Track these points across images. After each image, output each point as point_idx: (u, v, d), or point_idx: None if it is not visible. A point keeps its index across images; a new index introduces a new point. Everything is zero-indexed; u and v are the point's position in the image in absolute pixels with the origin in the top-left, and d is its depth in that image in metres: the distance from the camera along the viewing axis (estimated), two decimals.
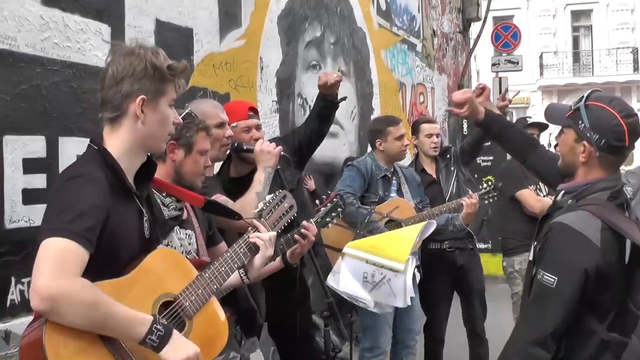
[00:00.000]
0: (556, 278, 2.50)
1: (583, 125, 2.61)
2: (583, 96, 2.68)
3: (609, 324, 2.55)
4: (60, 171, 3.40)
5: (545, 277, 2.53)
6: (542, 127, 5.89)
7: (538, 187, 5.64)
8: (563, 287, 2.49)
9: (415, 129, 5.67)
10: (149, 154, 2.32)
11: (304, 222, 3.23)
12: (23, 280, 3.23)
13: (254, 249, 2.62)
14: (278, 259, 3.23)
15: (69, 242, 1.91)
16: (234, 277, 2.65)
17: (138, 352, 2.06)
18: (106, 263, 2.06)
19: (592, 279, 2.49)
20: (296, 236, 3.20)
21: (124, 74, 2.17)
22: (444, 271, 5.32)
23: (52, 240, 1.92)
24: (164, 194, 2.74)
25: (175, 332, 2.12)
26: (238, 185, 3.69)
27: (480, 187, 5.35)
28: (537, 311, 2.58)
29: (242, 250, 2.58)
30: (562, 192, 2.75)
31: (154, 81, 2.20)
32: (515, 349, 2.60)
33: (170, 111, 2.29)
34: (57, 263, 1.88)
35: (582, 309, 2.53)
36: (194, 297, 2.30)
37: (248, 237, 2.62)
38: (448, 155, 5.58)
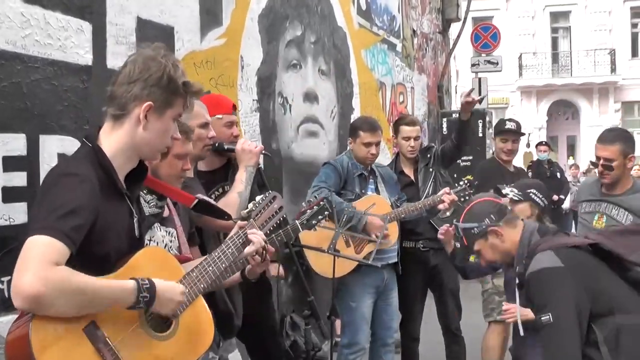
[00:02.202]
0: (550, 314, 2.76)
1: (475, 228, 3.17)
2: (456, 225, 3.28)
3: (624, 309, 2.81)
4: (40, 169, 3.41)
5: (542, 318, 2.79)
6: (517, 133, 5.87)
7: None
8: (559, 317, 2.75)
9: (395, 129, 5.61)
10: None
11: (263, 244, 2.75)
12: (3, 279, 3.22)
13: (242, 249, 2.63)
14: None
15: (53, 240, 1.91)
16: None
17: (124, 349, 2.07)
18: (96, 261, 2.06)
19: (582, 293, 2.76)
20: (250, 258, 2.75)
21: (139, 77, 2.18)
22: (417, 270, 5.35)
23: (36, 238, 1.92)
24: (145, 191, 2.75)
25: (157, 286, 2.14)
26: (205, 178, 3.72)
27: (456, 185, 5.35)
28: (555, 350, 2.79)
29: (230, 250, 2.59)
30: (517, 268, 3.13)
31: (166, 92, 2.22)
32: None
33: (173, 125, 2.31)
34: (39, 260, 1.88)
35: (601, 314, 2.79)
36: None
37: (236, 236, 2.63)
38: (429, 155, 5.53)
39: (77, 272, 1.95)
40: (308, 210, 3.49)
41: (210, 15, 5.12)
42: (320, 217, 3.47)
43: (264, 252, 2.70)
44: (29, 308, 1.89)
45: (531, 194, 4.05)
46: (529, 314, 3.38)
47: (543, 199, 4.06)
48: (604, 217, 4.30)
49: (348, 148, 5.19)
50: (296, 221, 3.43)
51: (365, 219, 4.70)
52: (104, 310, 2.04)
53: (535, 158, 13.95)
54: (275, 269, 4.37)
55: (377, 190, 5.03)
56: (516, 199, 4.03)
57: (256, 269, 2.81)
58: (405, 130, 5.45)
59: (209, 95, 4.09)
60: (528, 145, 24.92)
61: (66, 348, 1.95)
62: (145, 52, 2.26)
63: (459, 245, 3.31)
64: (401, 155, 5.57)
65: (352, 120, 7.61)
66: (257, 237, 2.66)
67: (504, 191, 4.07)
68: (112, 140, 2.21)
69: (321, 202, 3.49)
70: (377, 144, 5.01)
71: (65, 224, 1.95)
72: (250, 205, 2.84)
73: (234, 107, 4.03)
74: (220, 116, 3.79)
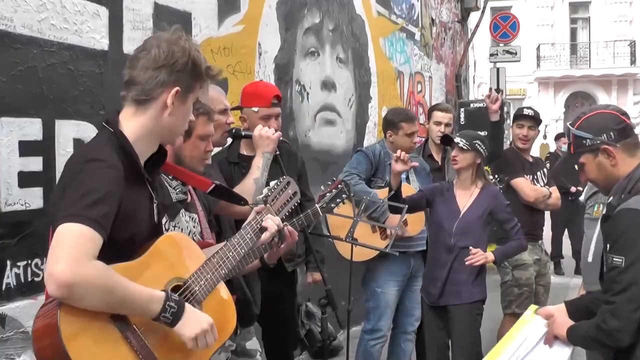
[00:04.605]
0: (623, 258, 2.57)
1: (588, 140, 2.80)
2: (568, 128, 2.93)
3: None
4: (56, 154, 3.40)
5: (614, 259, 2.60)
6: (535, 120, 5.78)
7: (535, 177, 5.63)
8: (634, 265, 2.54)
9: (428, 114, 5.87)
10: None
11: (288, 227, 2.81)
12: (19, 263, 3.22)
13: (260, 234, 2.61)
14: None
15: (86, 228, 1.90)
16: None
17: (151, 336, 2.07)
18: (118, 247, 2.05)
19: None
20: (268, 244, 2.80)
21: (165, 62, 2.17)
22: None
23: (69, 226, 1.90)
24: (170, 177, 2.73)
25: (187, 305, 2.14)
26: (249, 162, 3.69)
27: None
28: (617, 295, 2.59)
29: (248, 235, 2.57)
30: (610, 197, 2.84)
31: (190, 77, 2.22)
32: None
33: (191, 108, 2.31)
34: (74, 249, 1.87)
35: None
36: (203, 282, 2.31)
37: (254, 222, 2.61)
38: None
39: (112, 270, 1.94)
40: (327, 194, 3.47)
41: (228, 2, 5.08)
42: (338, 200, 3.45)
43: (280, 237, 2.67)
44: (61, 296, 1.88)
45: (476, 145, 4.49)
46: (489, 256, 4.42)
47: (485, 150, 4.55)
48: (601, 205, 4.32)
49: (382, 138, 5.25)
50: (316, 205, 3.42)
51: (387, 215, 4.69)
52: (130, 312, 2.02)
53: (552, 150, 13.81)
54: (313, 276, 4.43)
55: (407, 180, 5.06)
56: (465, 148, 4.47)
57: (274, 254, 2.80)
58: (438, 115, 5.70)
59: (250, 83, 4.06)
60: (545, 137, 24.75)
61: (94, 336, 1.95)
62: (165, 35, 2.24)
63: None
64: (430, 139, 5.73)
65: (374, 111, 7.58)
66: (270, 222, 2.63)
67: (455, 140, 4.54)
68: (134, 125, 2.19)
69: (339, 185, 3.47)
70: (417, 131, 5.23)
71: (96, 211, 1.94)
72: (265, 191, 2.81)
73: (278, 98, 4.00)
74: (255, 109, 3.78)
